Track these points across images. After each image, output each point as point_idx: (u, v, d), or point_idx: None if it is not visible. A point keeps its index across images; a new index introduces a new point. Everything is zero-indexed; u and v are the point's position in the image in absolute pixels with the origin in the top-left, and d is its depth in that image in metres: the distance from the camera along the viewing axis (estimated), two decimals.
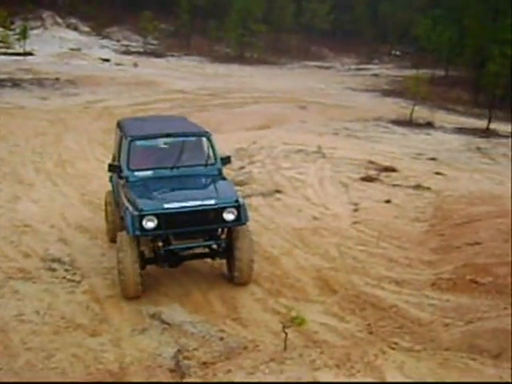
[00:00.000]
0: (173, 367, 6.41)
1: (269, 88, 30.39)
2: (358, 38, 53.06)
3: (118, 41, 45.54)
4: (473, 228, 10.43)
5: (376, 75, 42.00)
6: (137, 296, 7.87)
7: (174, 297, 8.12)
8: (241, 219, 7.95)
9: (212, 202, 7.78)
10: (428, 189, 13.87)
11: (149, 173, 8.33)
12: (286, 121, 22.20)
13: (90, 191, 12.67)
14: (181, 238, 7.94)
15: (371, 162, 16.12)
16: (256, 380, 4.32)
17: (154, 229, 7.56)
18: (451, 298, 8.35)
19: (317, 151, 16.72)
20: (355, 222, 11.53)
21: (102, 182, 12.95)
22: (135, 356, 6.64)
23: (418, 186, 14.12)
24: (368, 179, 14.63)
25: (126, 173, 8.28)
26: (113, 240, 9.38)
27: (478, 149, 19.23)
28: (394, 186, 14.21)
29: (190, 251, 8.29)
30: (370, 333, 7.25)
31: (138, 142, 8.50)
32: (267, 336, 7.05)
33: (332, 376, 4.08)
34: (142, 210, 7.50)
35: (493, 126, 23.09)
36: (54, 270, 8.85)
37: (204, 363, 6.43)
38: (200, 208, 7.69)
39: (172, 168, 8.43)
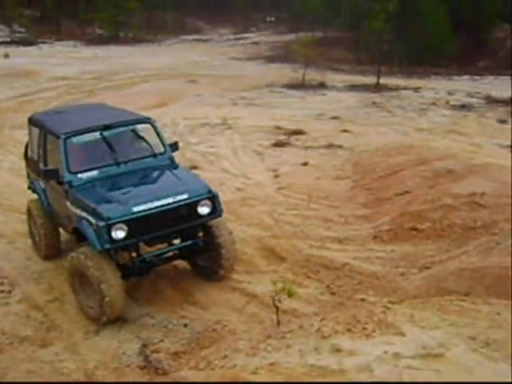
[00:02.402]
0: (142, 364, 5.98)
1: (153, 66, 29.50)
2: (232, 7, 52.66)
3: None
4: (398, 178, 10.63)
5: (256, 43, 41.97)
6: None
7: None
8: (216, 211, 7.12)
9: (185, 196, 6.83)
10: (340, 147, 14.03)
11: (94, 173, 7.16)
12: (180, 96, 21.62)
13: None
14: (152, 242, 7.06)
15: (278, 128, 16.08)
16: (262, 361, 4.03)
17: (125, 238, 6.50)
18: (396, 248, 8.46)
19: (222, 123, 16.42)
20: (280, 188, 11.43)
21: (3, 182, 11.99)
22: (98, 359, 6.13)
23: (330, 146, 14.24)
24: (280, 144, 14.58)
25: (67, 177, 7.02)
26: (48, 257, 8.41)
27: (374, 103, 19.71)
28: (307, 147, 14.25)
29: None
30: (333, 293, 7.17)
31: (75, 139, 7.27)
32: (232, 315, 6.78)
33: (350, 342, 3.90)
34: (109, 219, 6.38)
35: (381, 80, 23.75)
36: None
37: (175, 353, 6.05)
38: (173, 206, 6.72)
39: (119, 164, 7.32)
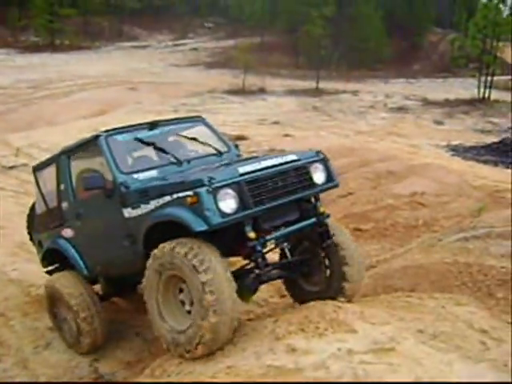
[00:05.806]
0: (95, 376, 5.90)
1: (91, 73, 29.11)
2: (169, 13, 52.53)
3: None
4: (341, 180, 10.79)
5: (195, 49, 42.07)
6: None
7: None
8: (333, 179, 5.43)
9: (294, 157, 5.22)
10: (283, 151, 14.19)
11: (153, 173, 5.56)
12: (120, 104, 21.48)
13: None
14: (269, 219, 5.02)
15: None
16: (219, 366, 4.07)
17: (237, 211, 4.62)
18: None
19: None
20: None
21: None
22: (49, 374, 5.98)
23: (272, 150, 14.41)
24: None
25: (120, 178, 5.37)
26: (90, 351, 6.21)
27: (314, 108, 20.07)
28: (250, 153, 14.34)
29: None
30: (283, 296, 7.24)
31: (119, 137, 5.80)
32: None
33: (304, 341, 3.98)
34: (211, 181, 4.53)
35: (320, 85, 24.19)
36: None
37: (128, 363, 6.00)
38: (284, 167, 5.04)
39: (180, 163, 5.70)
